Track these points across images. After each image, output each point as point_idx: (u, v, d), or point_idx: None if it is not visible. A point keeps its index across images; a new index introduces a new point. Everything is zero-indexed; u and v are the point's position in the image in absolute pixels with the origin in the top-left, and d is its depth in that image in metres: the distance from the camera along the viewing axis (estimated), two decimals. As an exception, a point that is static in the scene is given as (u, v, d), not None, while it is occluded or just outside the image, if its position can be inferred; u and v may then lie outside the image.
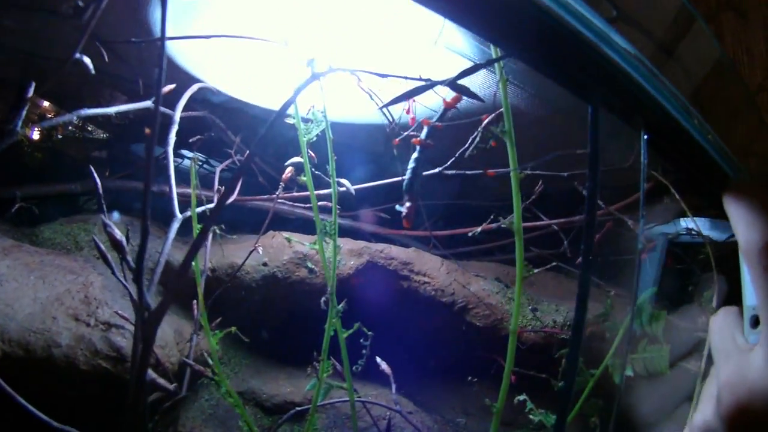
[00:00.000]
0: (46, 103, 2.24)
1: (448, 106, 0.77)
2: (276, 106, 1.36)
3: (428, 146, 0.77)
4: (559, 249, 1.53)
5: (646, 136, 0.65)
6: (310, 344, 1.10)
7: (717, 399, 0.55)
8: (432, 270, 1.60)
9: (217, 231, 1.15)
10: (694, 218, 1.54)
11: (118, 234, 0.54)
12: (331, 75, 0.85)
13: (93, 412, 1.16)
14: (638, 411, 0.82)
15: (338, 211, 1.00)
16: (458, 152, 1.20)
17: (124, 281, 0.88)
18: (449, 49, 1.11)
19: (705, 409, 0.58)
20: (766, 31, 1.37)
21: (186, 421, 1.39)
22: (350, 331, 0.99)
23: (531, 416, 0.93)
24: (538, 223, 1.50)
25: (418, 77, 0.73)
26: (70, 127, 2.42)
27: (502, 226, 0.78)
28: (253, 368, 1.58)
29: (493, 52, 0.75)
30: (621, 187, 1.22)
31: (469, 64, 0.75)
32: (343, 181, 1.00)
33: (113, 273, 0.85)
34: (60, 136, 2.41)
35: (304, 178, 0.92)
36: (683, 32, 1.16)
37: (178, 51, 1.28)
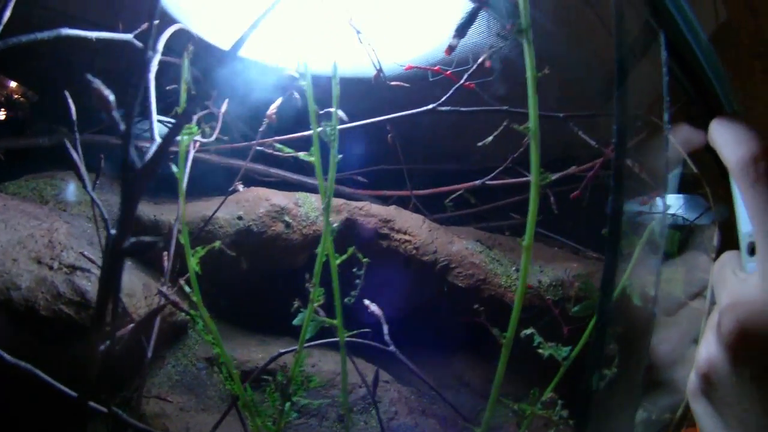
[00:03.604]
0: (13, 84, 2.17)
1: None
2: (266, 59, 1.31)
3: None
4: (538, 217, 1.50)
5: (663, 34, 0.64)
6: (284, 311, 1.05)
7: (717, 325, 0.53)
8: (413, 228, 1.55)
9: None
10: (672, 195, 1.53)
11: (106, 90, 0.48)
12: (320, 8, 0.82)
13: (53, 361, 1.10)
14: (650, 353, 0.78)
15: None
16: (456, 85, 1.16)
17: (93, 194, 0.82)
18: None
19: (707, 340, 0.55)
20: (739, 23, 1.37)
21: (152, 388, 1.33)
22: (344, 257, 0.94)
23: (540, 350, 0.89)
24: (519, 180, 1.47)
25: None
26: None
27: (517, 129, 0.73)
28: (223, 334, 1.50)
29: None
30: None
31: None
32: (339, 112, 0.94)
33: (84, 186, 0.79)
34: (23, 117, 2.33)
35: (304, 83, 0.86)
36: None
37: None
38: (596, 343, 0.66)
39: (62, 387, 0.73)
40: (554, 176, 0.78)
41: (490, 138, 1.02)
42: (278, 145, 0.88)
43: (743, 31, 1.28)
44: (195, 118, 1.28)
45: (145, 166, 0.45)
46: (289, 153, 0.87)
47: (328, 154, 0.89)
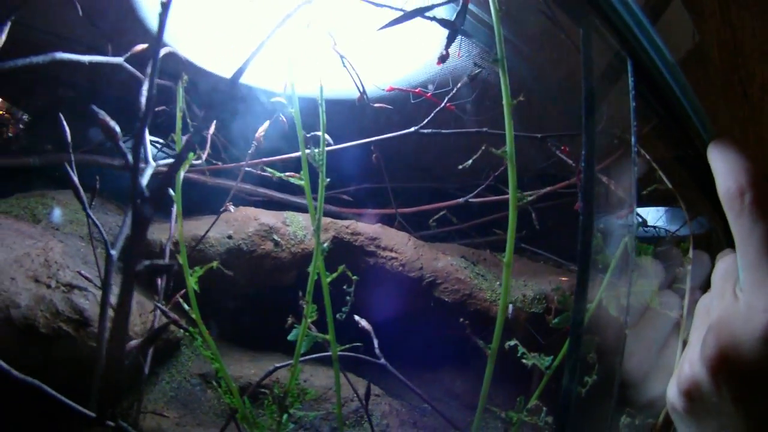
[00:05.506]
0: (-1, 100, 2.17)
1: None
2: (251, 82, 1.34)
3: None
4: (521, 232, 1.53)
5: (630, 61, 0.67)
6: (274, 327, 1.07)
7: (702, 342, 0.56)
8: (399, 245, 1.59)
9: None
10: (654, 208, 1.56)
11: (111, 120, 0.52)
12: (305, 34, 0.85)
13: (54, 377, 1.12)
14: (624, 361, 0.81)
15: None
16: (437, 108, 1.20)
17: (93, 216, 0.85)
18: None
19: (691, 359, 0.58)
20: (718, 36, 1.40)
21: (148, 404, 1.36)
22: (334, 275, 0.97)
23: (524, 360, 0.92)
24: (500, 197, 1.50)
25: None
26: (21, 126, 2.35)
27: (495, 153, 0.77)
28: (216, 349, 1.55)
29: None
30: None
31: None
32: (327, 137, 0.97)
33: (84, 208, 0.82)
34: (11, 135, 2.33)
35: (292, 110, 0.89)
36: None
37: (149, 15, 1.26)
38: (571, 350, 0.69)
39: (76, 405, 0.75)
40: (530, 197, 0.81)
41: (470, 162, 1.06)
42: (269, 169, 0.91)
43: (722, 45, 1.31)
44: (184, 138, 1.31)
45: (153, 195, 0.49)
46: (279, 176, 0.91)
47: (316, 174, 0.93)
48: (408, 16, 0.70)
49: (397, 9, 0.74)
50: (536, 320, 1.47)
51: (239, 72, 0.56)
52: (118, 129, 0.52)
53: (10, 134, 2.31)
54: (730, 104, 1.31)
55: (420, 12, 0.70)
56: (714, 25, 1.32)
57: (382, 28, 0.70)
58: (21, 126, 2.32)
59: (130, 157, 0.51)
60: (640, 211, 1.44)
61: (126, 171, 0.51)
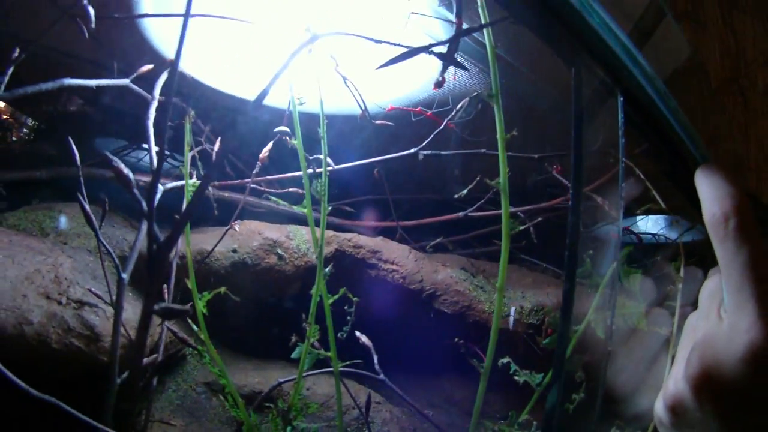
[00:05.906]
0: (1, 104, 2.19)
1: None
2: (250, 96, 1.37)
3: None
4: (521, 243, 1.56)
5: (621, 98, 0.69)
6: (278, 336, 1.10)
7: (687, 360, 0.58)
8: (400, 258, 1.62)
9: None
10: (653, 216, 1.58)
11: (125, 168, 0.55)
12: (308, 58, 0.88)
13: (66, 393, 1.15)
14: (613, 378, 0.84)
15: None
16: (437, 129, 1.23)
17: (104, 243, 0.88)
18: (426, 35, 1.14)
19: (676, 377, 0.60)
20: (721, 43, 1.41)
21: (155, 412, 1.38)
22: (336, 297, 1.01)
23: (516, 377, 0.95)
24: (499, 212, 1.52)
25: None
26: (25, 130, 2.37)
27: (491, 184, 0.80)
28: (222, 359, 1.57)
29: (482, 17, 0.78)
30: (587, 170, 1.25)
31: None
32: (328, 159, 1.00)
33: (96, 235, 0.85)
34: (14, 139, 2.35)
35: (295, 142, 0.92)
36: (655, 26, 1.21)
37: (154, 33, 1.28)
38: (555, 374, 0.72)
39: (96, 423, 0.78)
40: (522, 227, 0.84)
41: (465, 191, 1.10)
42: (273, 198, 0.94)
43: (724, 52, 1.33)
44: (190, 155, 1.35)
45: (167, 241, 0.52)
46: (283, 204, 0.94)
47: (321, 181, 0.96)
48: (405, 55, 0.73)
49: (395, 44, 0.76)
50: (534, 331, 1.50)
51: (260, 98, 0.59)
52: (132, 176, 0.56)
53: (14, 138, 2.33)
54: (729, 111, 1.33)
55: (418, 51, 0.73)
56: (716, 32, 1.34)
57: (380, 67, 0.73)
58: (25, 130, 2.34)
59: (144, 205, 0.54)
60: (639, 220, 1.47)
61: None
